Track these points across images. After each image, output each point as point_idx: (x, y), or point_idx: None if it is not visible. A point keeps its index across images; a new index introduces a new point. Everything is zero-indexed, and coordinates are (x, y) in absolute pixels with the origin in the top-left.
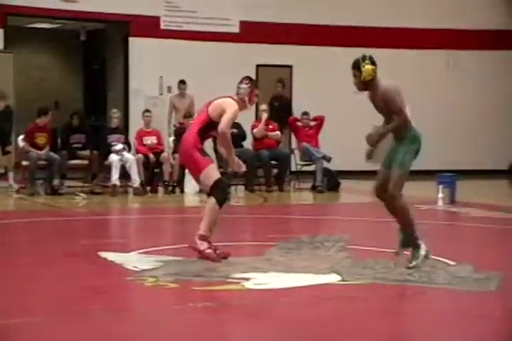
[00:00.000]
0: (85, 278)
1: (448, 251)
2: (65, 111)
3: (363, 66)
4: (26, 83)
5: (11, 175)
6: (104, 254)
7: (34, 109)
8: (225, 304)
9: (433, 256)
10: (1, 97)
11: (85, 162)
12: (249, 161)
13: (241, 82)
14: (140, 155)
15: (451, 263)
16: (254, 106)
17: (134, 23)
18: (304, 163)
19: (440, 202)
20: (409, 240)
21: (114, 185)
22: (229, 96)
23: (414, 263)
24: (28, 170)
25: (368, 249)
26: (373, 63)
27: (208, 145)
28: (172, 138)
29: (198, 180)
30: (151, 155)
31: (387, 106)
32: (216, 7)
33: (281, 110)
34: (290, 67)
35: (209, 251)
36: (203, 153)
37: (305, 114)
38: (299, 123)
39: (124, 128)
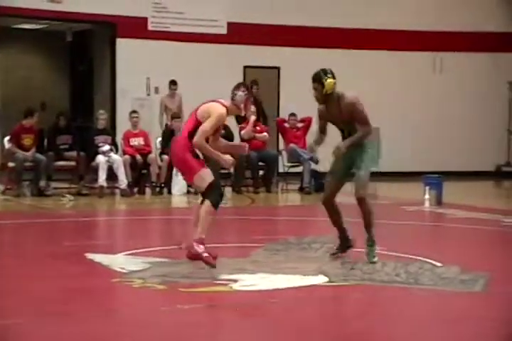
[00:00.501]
0: (72, 279)
1: (434, 253)
2: (51, 112)
3: (325, 80)
4: (12, 84)
5: None
6: (90, 256)
7: (20, 110)
8: (213, 306)
9: (419, 258)
10: None
11: (72, 163)
12: (237, 162)
13: (238, 88)
14: (127, 157)
15: (438, 264)
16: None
17: (121, 24)
18: (292, 164)
19: (427, 204)
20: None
21: (101, 187)
22: (218, 101)
23: (376, 258)
24: (15, 171)
25: (356, 250)
26: (334, 77)
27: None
28: (159, 139)
29: (191, 183)
30: (138, 157)
31: (354, 116)
32: (204, 8)
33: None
34: (278, 68)
35: (206, 254)
36: (195, 156)
37: (292, 115)
38: (287, 125)
39: (111, 130)
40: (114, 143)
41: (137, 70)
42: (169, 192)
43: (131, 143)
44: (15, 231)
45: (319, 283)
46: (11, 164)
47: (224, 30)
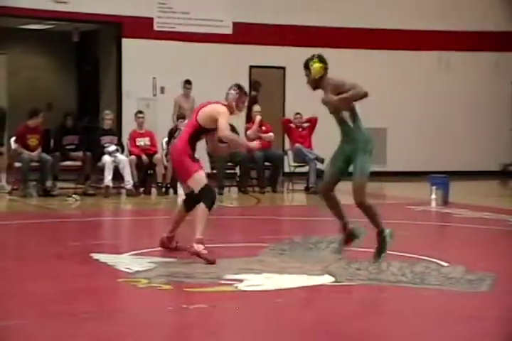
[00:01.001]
0: (77, 279)
1: (441, 252)
2: (57, 112)
3: (311, 65)
4: (19, 84)
5: (3, 176)
6: (96, 256)
7: (27, 111)
8: (218, 305)
9: (425, 257)
10: None
11: (78, 163)
12: (243, 163)
13: (230, 88)
14: (133, 157)
15: (444, 264)
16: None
17: (127, 24)
18: (297, 164)
19: (433, 204)
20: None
21: (107, 187)
22: (218, 102)
23: (382, 256)
24: (21, 171)
25: (362, 250)
26: (322, 61)
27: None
28: (165, 139)
29: (186, 185)
30: (144, 157)
31: (340, 91)
32: (209, 8)
33: None
34: (283, 68)
35: (205, 252)
36: (193, 158)
37: (297, 113)
38: (292, 125)
39: (117, 130)
40: (120, 144)
41: (143, 70)
42: (175, 192)
43: (137, 144)
44: (21, 231)
45: (325, 283)
46: (17, 164)
47: (229, 30)
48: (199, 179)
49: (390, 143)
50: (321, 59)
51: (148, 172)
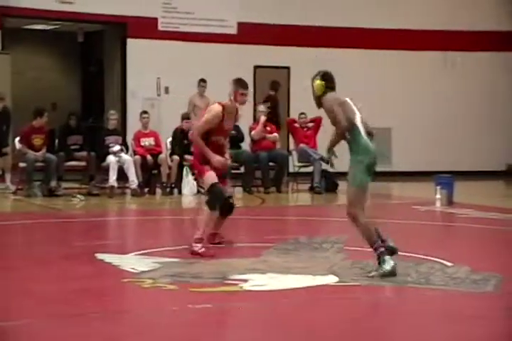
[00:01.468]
0: (82, 280)
1: (445, 252)
2: (62, 112)
3: (314, 82)
4: (23, 85)
5: (8, 176)
6: (101, 256)
7: (31, 111)
8: (224, 305)
9: (430, 257)
10: None
11: (83, 163)
12: (247, 163)
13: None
14: (138, 157)
15: (449, 264)
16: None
17: (132, 24)
18: (302, 164)
19: (438, 203)
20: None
21: (112, 187)
22: (219, 102)
23: (373, 273)
24: (25, 171)
25: (366, 250)
26: (324, 79)
27: None
28: (170, 139)
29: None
30: (149, 157)
31: (329, 117)
32: (213, 8)
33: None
34: (287, 68)
35: (203, 250)
36: (202, 161)
37: (302, 113)
38: (297, 125)
39: (121, 130)
40: (124, 144)
41: (147, 70)
42: (179, 192)
43: (142, 144)
44: (25, 231)
45: (330, 283)
46: (21, 164)
47: (234, 30)
48: (206, 180)
49: (394, 143)
50: (325, 76)
51: (153, 172)
